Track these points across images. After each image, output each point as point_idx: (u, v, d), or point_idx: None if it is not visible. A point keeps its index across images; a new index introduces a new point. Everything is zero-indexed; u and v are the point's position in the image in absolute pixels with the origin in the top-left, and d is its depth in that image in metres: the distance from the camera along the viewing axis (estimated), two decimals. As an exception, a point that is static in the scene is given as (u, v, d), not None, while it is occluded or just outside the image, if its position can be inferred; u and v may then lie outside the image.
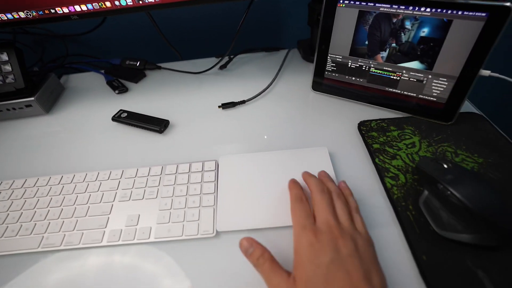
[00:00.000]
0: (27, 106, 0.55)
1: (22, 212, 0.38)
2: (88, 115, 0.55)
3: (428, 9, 0.38)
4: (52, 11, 0.44)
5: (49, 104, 0.58)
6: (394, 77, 0.45)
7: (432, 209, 0.33)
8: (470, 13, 0.36)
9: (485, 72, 0.39)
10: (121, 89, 0.59)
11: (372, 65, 0.46)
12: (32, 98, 0.54)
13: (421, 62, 0.42)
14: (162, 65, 0.66)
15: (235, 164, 0.40)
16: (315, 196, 0.31)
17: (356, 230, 0.29)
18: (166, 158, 0.44)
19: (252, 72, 0.61)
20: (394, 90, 0.46)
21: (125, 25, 0.72)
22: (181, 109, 0.53)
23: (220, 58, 0.63)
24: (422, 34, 0.40)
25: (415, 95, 0.45)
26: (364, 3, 0.42)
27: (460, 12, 0.37)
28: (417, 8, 0.39)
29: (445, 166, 0.34)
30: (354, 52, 0.46)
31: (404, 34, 0.41)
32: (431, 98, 0.44)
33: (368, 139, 0.43)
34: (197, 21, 0.71)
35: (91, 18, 0.45)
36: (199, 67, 0.63)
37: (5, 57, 0.52)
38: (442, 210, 0.32)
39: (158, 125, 0.48)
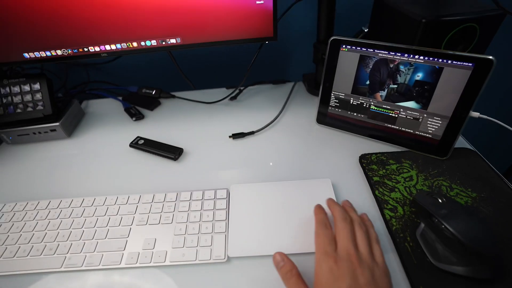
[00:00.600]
0: (52, 130, 0.59)
1: (46, 233, 0.41)
2: (107, 140, 0.59)
3: (422, 57, 0.43)
4: (85, 49, 0.49)
5: (71, 128, 0.63)
6: (393, 115, 0.49)
7: (428, 241, 0.35)
8: (459, 63, 0.40)
9: (475, 114, 0.43)
10: (138, 116, 0.64)
11: (372, 103, 0.50)
12: (57, 124, 0.58)
13: (417, 102, 0.46)
14: (176, 94, 0.71)
15: (245, 193, 0.43)
16: (338, 223, 0.34)
17: (374, 260, 0.31)
18: (181, 184, 0.47)
19: (260, 104, 0.66)
20: (393, 126, 0.50)
21: (142, 56, 0.78)
22: (194, 137, 0.57)
23: (232, 91, 0.67)
24: (417, 78, 0.44)
25: (412, 131, 0.49)
26: (365, 49, 0.47)
27: (449, 61, 0.41)
28: (411, 56, 0.43)
29: (440, 200, 0.37)
30: (356, 90, 0.51)
31: (401, 77, 0.46)
32: (427, 135, 0.47)
33: (368, 172, 0.47)
34: (209, 55, 0.77)
35: (118, 55, 0.50)
36: (210, 97, 0.68)
37: (37, 86, 0.57)
38: (437, 242, 0.34)
39: (173, 153, 0.52)
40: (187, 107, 0.67)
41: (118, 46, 0.49)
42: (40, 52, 0.49)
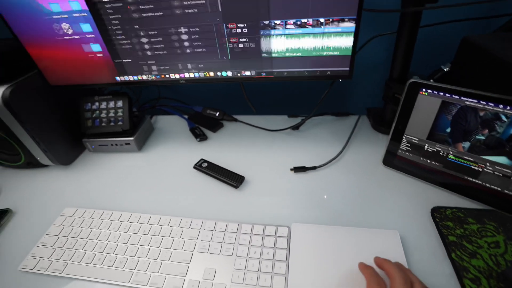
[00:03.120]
0: (126, 143, 0.65)
1: (117, 245, 0.44)
2: (172, 158, 0.63)
3: (521, 111, 0.38)
4: (167, 75, 0.53)
5: (142, 143, 0.68)
6: (476, 168, 0.44)
7: (522, 329, 0.30)
8: None
9: None
10: (202, 138, 0.67)
11: (451, 152, 0.46)
12: (132, 138, 0.64)
13: (509, 158, 0.41)
14: (238, 117, 0.73)
15: (306, 235, 0.42)
16: (398, 285, 0.31)
17: None
18: (241, 214, 0.48)
19: (322, 136, 0.65)
20: (474, 180, 0.45)
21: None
22: (255, 165, 0.58)
23: (293, 120, 0.68)
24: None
25: (499, 189, 0.43)
26: (449, 95, 0.43)
27: (558, 120, 0.36)
28: (508, 107, 0.39)
29: (539, 282, 0.32)
30: (433, 137, 0.47)
31: (493, 129, 0.41)
32: (519, 197, 0.42)
33: (442, 229, 0.42)
34: (273, 83, 0.79)
35: (194, 83, 0.54)
36: (271, 124, 0.69)
37: (120, 104, 0.64)
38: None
39: (235, 180, 0.53)
40: (248, 132, 0.68)
41: (196, 74, 0.52)
42: (129, 77, 0.55)
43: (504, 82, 0.42)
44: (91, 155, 0.67)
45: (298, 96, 0.80)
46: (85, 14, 0.47)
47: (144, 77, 0.54)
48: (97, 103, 0.64)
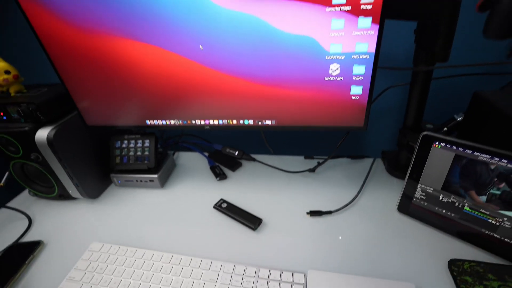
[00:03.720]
0: (150, 180, 0.69)
1: (140, 283, 0.46)
2: (193, 196, 0.66)
3: (534, 170, 0.39)
4: (193, 121, 0.58)
5: (165, 179, 0.72)
6: (493, 222, 0.45)
7: None
8: None
9: None
10: (222, 177, 0.70)
11: (467, 204, 0.47)
12: (156, 176, 0.68)
13: (526, 214, 0.42)
14: (256, 157, 0.76)
15: (322, 282, 0.43)
16: None
17: None
18: (258, 257, 0.49)
19: (337, 179, 0.67)
20: (492, 234, 0.45)
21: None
22: (272, 207, 0.60)
23: (309, 161, 0.70)
24: (527, 190, 0.41)
25: (518, 245, 0.43)
26: (462, 149, 0.45)
27: None
28: (521, 166, 0.40)
29: None
30: (447, 188, 0.48)
31: (509, 184, 0.42)
32: (539, 254, 0.41)
33: (460, 284, 0.42)
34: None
35: (218, 129, 0.58)
36: (288, 165, 0.71)
37: (148, 143, 0.69)
38: None
39: (253, 223, 0.55)
40: (266, 172, 0.71)
41: (220, 122, 0.57)
42: (158, 120, 0.60)
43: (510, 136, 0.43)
44: (117, 189, 0.71)
45: (314, 138, 0.83)
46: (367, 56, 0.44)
47: (172, 122, 0.59)
48: (126, 142, 0.70)
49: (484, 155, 0.43)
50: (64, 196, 0.68)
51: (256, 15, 0.43)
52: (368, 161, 0.71)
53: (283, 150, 0.78)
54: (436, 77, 0.55)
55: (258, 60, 0.47)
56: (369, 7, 0.40)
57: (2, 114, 0.61)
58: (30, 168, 0.67)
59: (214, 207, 0.61)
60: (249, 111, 0.54)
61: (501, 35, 0.36)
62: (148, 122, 0.61)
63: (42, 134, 0.59)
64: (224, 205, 0.60)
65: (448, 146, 0.46)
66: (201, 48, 0.48)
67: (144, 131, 0.70)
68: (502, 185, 0.43)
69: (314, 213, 0.57)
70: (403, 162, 0.65)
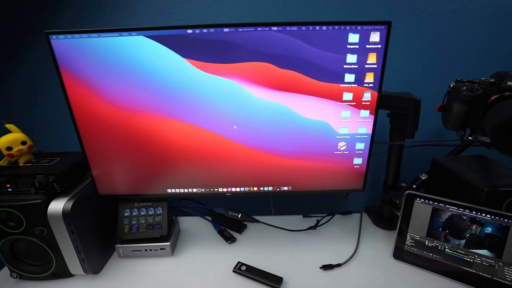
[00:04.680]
0: (161, 249, 0.69)
1: None
2: (207, 261, 0.67)
3: (489, 216, 0.55)
4: (215, 189, 0.64)
5: (174, 246, 0.72)
6: (468, 259, 0.58)
7: None
8: (523, 225, 0.52)
9: (547, 269, 0.51)
10: (232, 240, 0.74)
11: (446, 247, 0.60)
12: (168, 243, 0.68)
13: (490, 251, 0.56)
14: (257, 218, 0.82)
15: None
16: None
17: None
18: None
19: (335, 233, 0.76)
20: (469, 270, 0.58)
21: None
22: (286, 265, 0.65)
23: (309, 219, 0.79)
24: (487, 232, 0.55)
25: (490, 276, 0.56)
26: (436, 203, 0.60)
27: (514, 222, 0.53)
28: (480, 213, 0.56)
29: None
30: (430, 234, 0.61)
31: (472, 229, 0.56)
32: (506, 282, 0.55)
33: (460, 315, 0.52)
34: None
35: (239, 195, 0.64)
36: (289, 224, 0.79)
37: (160, 210, 0.70)
38: None
39: (276, 282, 0.59)
40: (271, 233, 0.77)
41: (242, 189, 0.64)
42: (181, 189, 0.64)
43: (472, 197, 0.59)
44: (120, 261, 0.69)
45: (310, 198, 0.94)
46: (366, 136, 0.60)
47: (195, 190, 0.64)
48: (136, 210, 0.70)
49: (453, 207, 0.58)
50: (59, 274, 0.64)
51: (284, 104, 0.56)
52: (355, 216, 0.83)
53: (281, 210, 0.86)
54: (405, 147, 0.73)
55: (282, 138, 0.58)
56: (368, 103, 0.56)
57: (8, 186, 0.59)
58: (23, 245, 0.62)
59: (233, 270, 0.63)
60: (269, 179, 0.63)
61: (454, 128, 0.54)
62: (169, 190, 0.65)
63: (57, 206, 0.58)
64: (244, 267, 0.63)
65: (426, 201, 0.61)
66: (235, 127, 0.57)
67: (154, 198, 0.72)
68: (472, 228, 0.57)
69: (326, 267, 0.64)
70: (386, 215, 0.78)
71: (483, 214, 0.55)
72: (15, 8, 0.76)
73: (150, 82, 0.54)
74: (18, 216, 0.57)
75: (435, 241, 0.61)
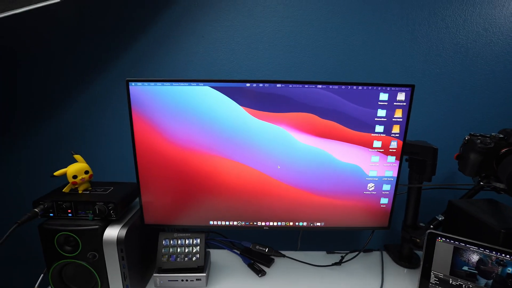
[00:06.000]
0: (197, 279, 0.72)
1: None
2: (242, 293, 0.71)
3: (509, 256, 0.60)
4: (255, 223, 0.70)
5: (207, 277, 0.75)
6: (490, 298, 0.62)
7: None
8: (539, 265, 0.58)
9: None
10: (262, 273, 0.77)
11: (470, 286, 0.64)
12: (204, 274, 0.72)
13: (511, 290, 0.60)
14: (283, 252, 0.86)
15: None
16: None
17: None
18: None
19: (358, 270, 0.80)
20: (492, 308, 0.62)
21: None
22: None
23: (338, 261, 0.83)
24: (508, 271, 0.61)
25: (512, 315, 0.60)
26: (457, 243, 0.66)
27: (530, 263, 0.58)
28: (500, 254, 0.61)
29: None
30: (454, 273, 0.66)
31: (495, 268, 0.62)
32: (528, 321, 0.59)
33: None
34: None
35: (275, 229, 0.70)
36: (314, 259, 0.83)
37: (198, 241, 0.75)
38: None
39: (314, 314, 0.62)
40: (298, 267, 0.81)
41: (279, 223, 0.70)
42: (222, 222, 0.70)
43: (489, 237, 0.65)
44: (156, 291, 0.71)
45: (333, 235, 0.99)
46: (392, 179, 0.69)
47: (235, 223, 0.70)
48: (175, 240, 0.75)
49: (474, 247, 0.64)
50: (101, 302, 0.66)
51: (323, 149, 0.64)
52: (375, 254, 0.87)
53: (304, 246, 0.91)
54: (423, 189, 0.80)
55: (319, 178, 0.66)
56: (394, 150, 0.65)
57: (69, 211, 0.64)
58: (70, 270, 0.66)
59: (270, 303, 0.66)
60: (305, 215, 0.69)
61: (471, 174, 0.63)
62: (211, 222, 0.70)
63: (112, 233, 0.63)
64: (279, 299, 0.67)
65: (448, 240, 0.67)
66: (279, 167, 0.65)
67: (193, 230, 0.77)
68: (498, 269, 0.62)
69: (356, 304, 0.67)
70: (405, 253, 0.83)
71: (502, 254, 0.61)
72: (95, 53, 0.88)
73: (209, 125, 0.63)
74: (75, 240, 0.62)
75: (459, 280, 0.66)
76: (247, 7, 0.84)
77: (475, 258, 0.64)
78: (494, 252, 0.62)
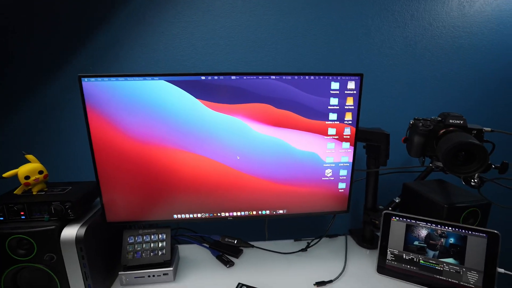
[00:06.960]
0: (164, 274, 0.72)
1: None
2: (209, 285, 0.71)
3: (450, 228, 0.66)
4: (218, 214, 0.71)
5: (175, 272, 0.75)
6: (439, 268, 0.68)
7: None
8: (476, 233, 0.63)
9: (500, 270, 0.62)
10: (230, 264, 0.78)
11: (421, 258, 0.70)
12: (171, 269, 0.72)
13: (455, 259, 0.66)
14: (252, 243, 0.88)
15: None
16: None
17: None
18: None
19: (323, 254, 0.83)
20: (441, 277, 0.67)
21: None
22: (283, 284, 0.71)
23: (300, 243, 0.86)
24: (451, 242, 0.66)
25: (457, 281, 0.66)
26: (409, 220, 0.71)
27: (469, 232, 0.64)
28: (443, 227, 0.67)
29: None
30: (406, 248, 0.71)
31: (440, 240, 0.67)
32: (470, 285, 0.64)
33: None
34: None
35: (239, 219, 0.71)
36: (282, 248, 0.85)
37: (163, 236, 0.74)
38: None
39: (278, 297, 0.64)
40: (266, 256, 0.83)
41: (243, 213, 0.71)
42: (186, 214, 0.70)
43: (436, 212, 0.71)
44: (121, 289, 0.71)
45: (299, 222, 1.02)
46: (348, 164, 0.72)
47: (199, 215, 0.71)
48: (140, 236, 0.74)
49: (422, 223, 0.69)
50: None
51: (280, 138, 0.66)
52: (340, 238, 0.92)
53: (273, 235, 0.93)
54: (380, 174, 0.85)
55: (278, 167, 0.68)
56: (348, 137, 0.68)
57: (22, 213, 0.62)
58: (26, 274, 0.64)
59: (236, 291, 0.68)
60: (267, 204, 0.71)
61: (416, 155, 0.68)
62: (175, 216, 0.71)
63: (70, 232, 0.61)
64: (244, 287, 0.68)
65: (401, 219, 0.72)
66: (238, 158, 0.67)
67: (158, 225, 0.77)
68: (441, 242, 0.67)
69: (320, 284, 0.70)
70: (368, 236, 0.87)
71: (446, 227, 0.67)
72: (49, 49, 0.85)
73: (166, 118, 0.63)
74: (29, 243, 0.60)
75: (411, 254, 0.71)
76: (205, 2, 0.85)
77: (424, 233, 0.69)
78: (439, 226, 0.68)
